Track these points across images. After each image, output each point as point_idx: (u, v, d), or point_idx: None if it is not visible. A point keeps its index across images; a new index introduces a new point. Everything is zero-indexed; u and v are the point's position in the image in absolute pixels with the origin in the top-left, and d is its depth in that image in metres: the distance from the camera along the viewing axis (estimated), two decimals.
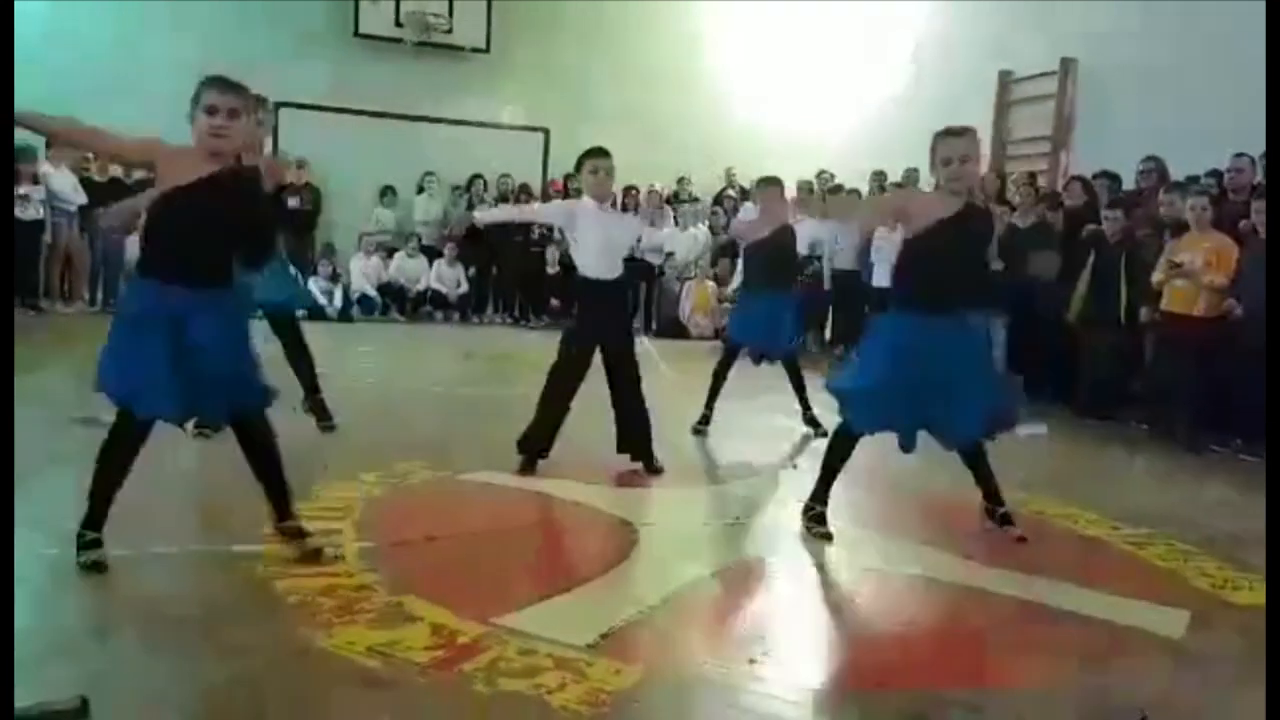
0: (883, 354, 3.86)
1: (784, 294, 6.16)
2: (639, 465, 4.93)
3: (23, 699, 2.27)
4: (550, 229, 12.51)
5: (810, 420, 6.15)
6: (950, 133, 3.83)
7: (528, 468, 4.74)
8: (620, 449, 4.93)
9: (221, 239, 3.21)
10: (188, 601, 3.08)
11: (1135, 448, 6.67)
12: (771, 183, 6.24)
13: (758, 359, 6.25)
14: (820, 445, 5.93)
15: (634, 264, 12.88)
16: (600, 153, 4.79)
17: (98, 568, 3.16)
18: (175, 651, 2.75)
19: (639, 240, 12.68)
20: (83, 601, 3.05)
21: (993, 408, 3.93)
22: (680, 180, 13.21)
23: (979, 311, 4.02)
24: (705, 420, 6.11)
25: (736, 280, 11.89)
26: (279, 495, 3.44)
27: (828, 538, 4.01)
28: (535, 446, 4.78)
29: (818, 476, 4.15)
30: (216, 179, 3.17)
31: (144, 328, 3.15)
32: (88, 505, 3.24)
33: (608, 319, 4.83)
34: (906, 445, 3.95)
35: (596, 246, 4.76)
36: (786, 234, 6.18)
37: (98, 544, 3.21)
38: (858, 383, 3.96)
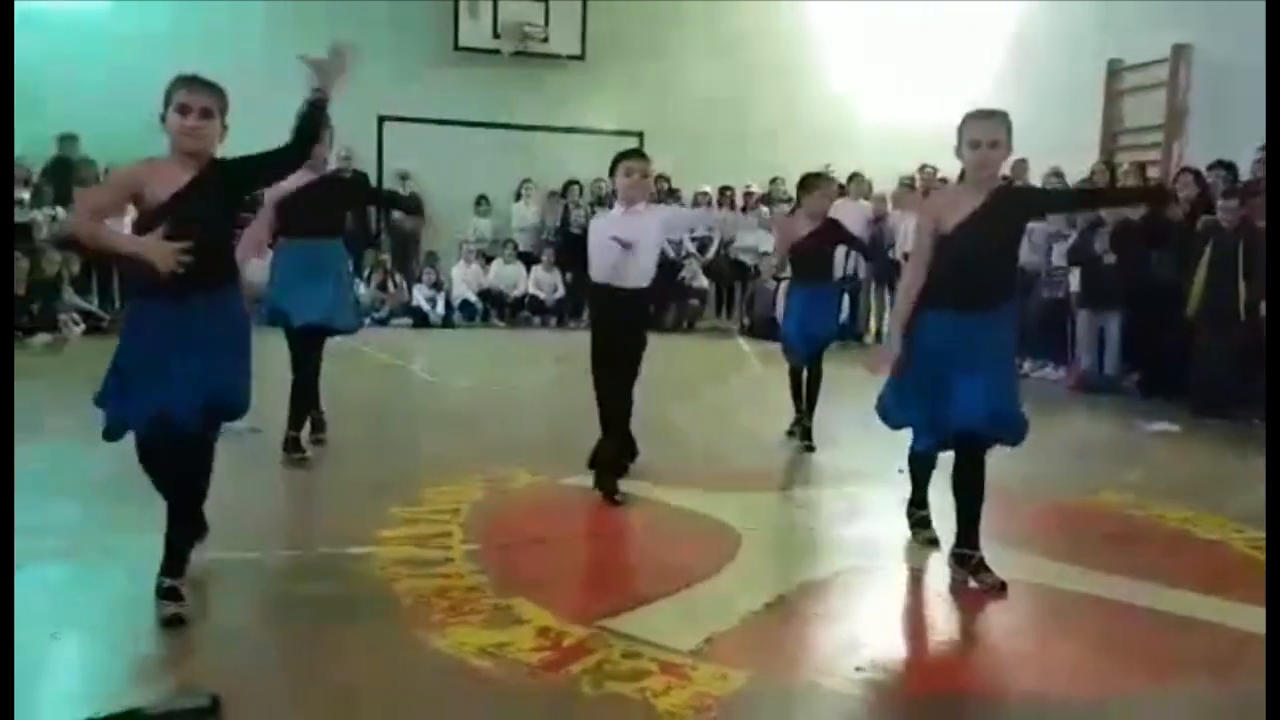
0: (911, 355, 3.63)
1: (823, 288, 5.97)
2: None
3: (148, 698, 2.40)
4: None
5: (806, 430, 5.82)
6: (981, 114, 3.58)
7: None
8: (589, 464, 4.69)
9: (224, 238, 3.20)
10: (310, 602, 3.20)
11: (1257, 447, 6.40)
12: (815, 177, 6.02)
13: (807, 355, 5.91)
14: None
15: (732, 265, 12.92)
16: (635, 154, 4.69)
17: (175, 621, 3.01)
18: (299, 651, 2.87)
19: (690, 234, 12.64)
20: (206, 603, 3.19)
21: (999, 407, 3.53)
22: (774, 180, 13.13)
23: (1007, 305, 3.65)
24: (800, 424, 5.92)
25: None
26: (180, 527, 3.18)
27: (933, 543, 3.95)
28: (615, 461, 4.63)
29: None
30: (200, 181, 3.06)
31: (141, 349, 3.06)
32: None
33: (617, 326, 4.51)
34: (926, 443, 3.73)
35: (599, 253, 4.49)
36: (829, 229, 5.93)
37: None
38: (888, 387, 3.75)
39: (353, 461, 5.05)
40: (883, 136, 12.68)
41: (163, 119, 3.10)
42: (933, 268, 3.58)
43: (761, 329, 11.84)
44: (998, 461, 4.03)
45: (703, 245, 12.73)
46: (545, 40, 13.00)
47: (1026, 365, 9.41)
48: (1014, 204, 3.71)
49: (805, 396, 5.87)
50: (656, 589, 3.43)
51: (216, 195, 3.09)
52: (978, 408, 3.47)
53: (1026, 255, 9.36)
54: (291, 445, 4.96)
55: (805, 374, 5.88)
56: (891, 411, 3.74)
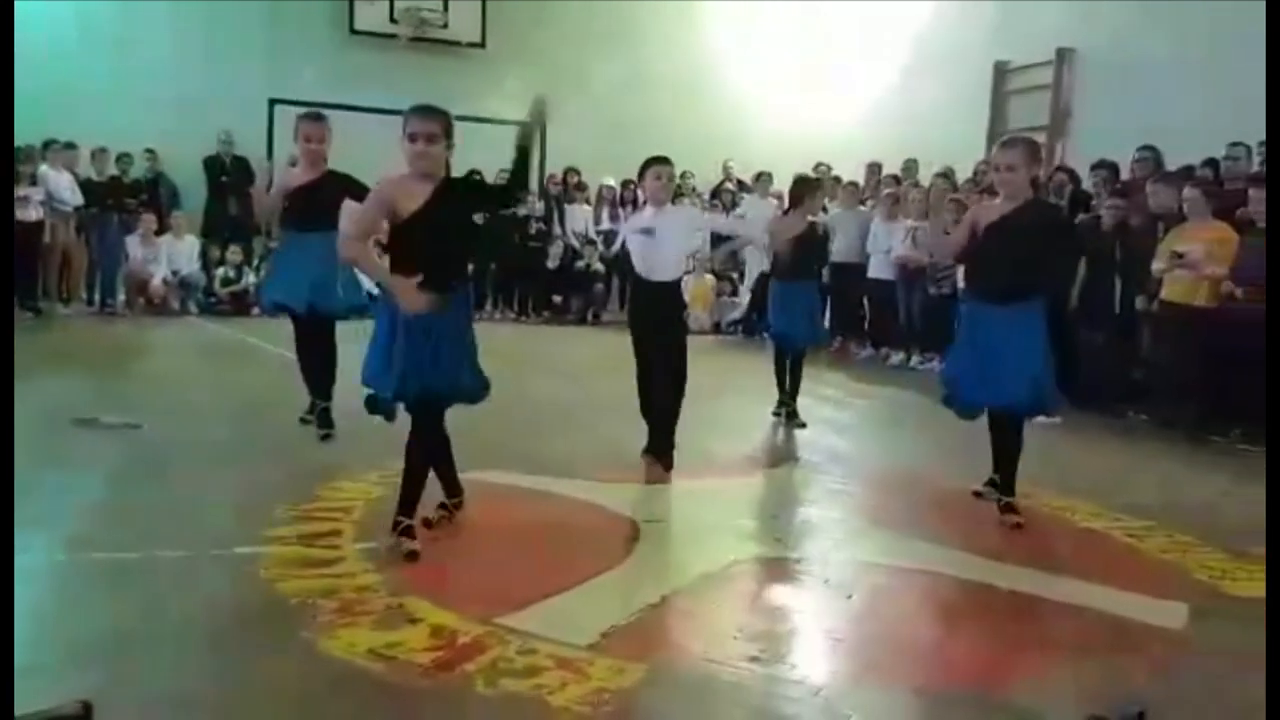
0: (958, 343, 4.38)
1: (813, 284, 6.63)
2: (655, 459, 4.93)
3: (26, 706, 2.27)
4: (547, 222, 12.59)
5: (792, 412, 6.35)
6: (1003, 143, 4.37)
7: (655, 469, 4.87)
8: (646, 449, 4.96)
9: (461, 246, 3.69)
10: (191, 604, 3.08)
11: (1134, 439, 6.68)
12: (811, 181, 6.78)
13: (795, 350, 6.43)
14: (805, 436, 6.00)
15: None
16: (663, 160, 5.10)
17: (413, 556, 3.50)
18: (179, 654, 2.75)
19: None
20: (85, 606, 3.05)
21: (1035, 387, 4.19)
22: (683, 175, 13.18)
23: (1037, 297, 4.28)
24: (784, 405, 6.35)
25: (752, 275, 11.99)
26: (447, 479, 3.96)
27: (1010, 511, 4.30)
28: (658, 449, 4.90)
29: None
30: (440, 194, 3.52)
31: (402, 333, 3.53)
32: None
33: (654, 316, 4.92)
34: (967, 415, 4.43)
35: (640, 250, 4.95)
36: (816, 227, 6.72)
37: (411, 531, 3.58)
38: (945, 373, 4.48)
39: (240, 459, 4.89)
40: (780, 135, 12.84)
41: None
42: (973, 264, 4.36)
43: None
44: (887, 454, 4.12)
45: (608, 239, 12.73)
46: (444, 27, 12.81)
47: (915, 359, 9.65)
48: (1038, 216, 4.33)
49: (790, 373, 6.40)
50: (554, 584, 3.39)
51: (452, 209, 3.57)
52: (1019, 389, 4.15)
53: (910, 252, 9.60)
54: (321, 417, 5.30)
55: (793, 360, 6.42)
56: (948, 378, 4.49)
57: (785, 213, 6.76)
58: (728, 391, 6.20)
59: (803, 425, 6.26)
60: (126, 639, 2.83)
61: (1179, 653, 3.11)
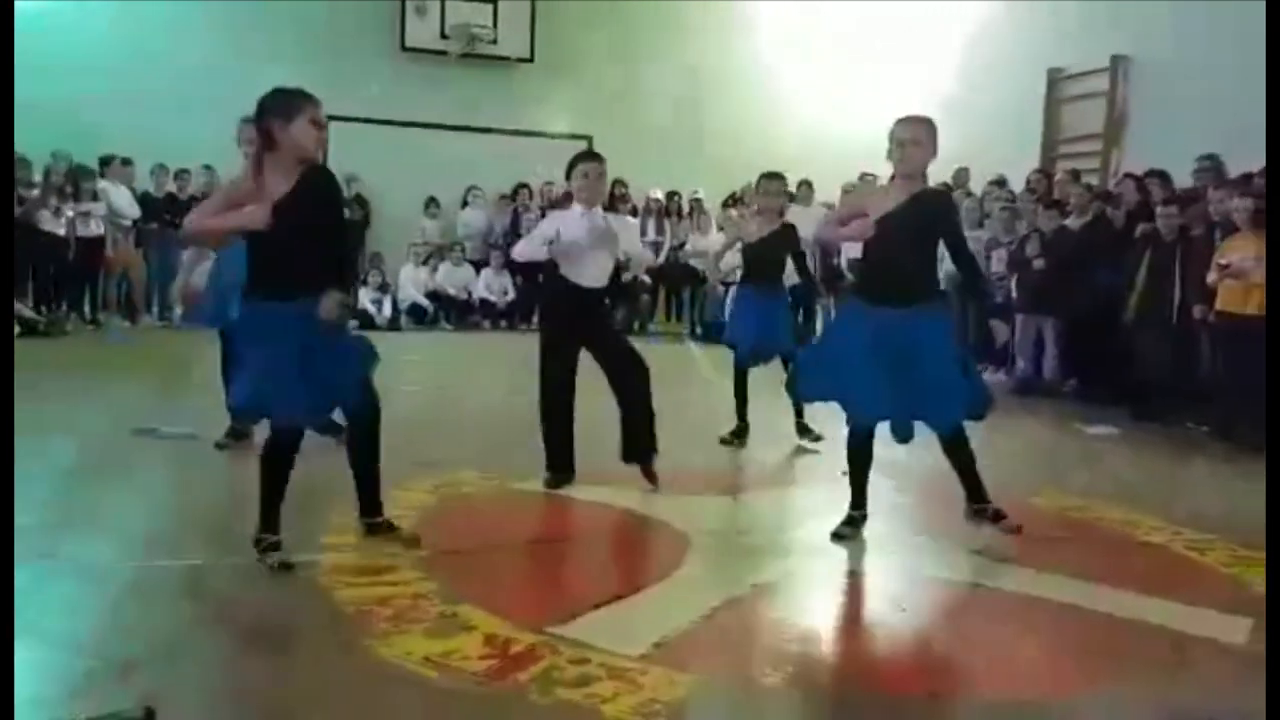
0: (830, 333, 4.11)
1: (775, 294, 5.92)
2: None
3: (90, 709, 2.33)
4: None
5: (802, 429, 5.84)
6: (905, 118, 3.91)
7: (552, 485, 4.66)
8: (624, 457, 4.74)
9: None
10: (249, 611, 3.14)
11: (1194, 450, 6.55)
12: (769, 178, 6.01)
13: (755, 360, 5.90)
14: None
15: (682, 269, 12.92)
16: (590, 156, 4.75)
17: (285, 567, 3.40)
18: (238, 661, 2.81)
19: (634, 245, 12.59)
20: (147, 611, 3.11)
21: (967, 393, 3.90)
22: (745, 186, 13.16)
23: (934, 301, 3.96)
24: (739, 434, 5.85)
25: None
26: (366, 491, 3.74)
27: (839, 538, 4.05)
28: (557, 467, 4.68)
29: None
30: (295, 189, 3.38)
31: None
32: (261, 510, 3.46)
33: (585, 324, 4.64)
34: (900, 436, 3.93)
35: (580, 254, 4.56)
36: (786, 232, 5.89)
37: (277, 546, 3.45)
38: (800, 363, 4.25)
39: (296, 468, 4.95)
40: (831, 144, 12.77)
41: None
42: (862, 262, 3.96)
43: (711, 333, 11.89)
44: (941, 462, 4.08)
45: (654, 248, 12.74)
46: (494, 42, 12.94)
47: None
48: (931, 209, 3.95)
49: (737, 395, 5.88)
50: (605, 594, 3.40)
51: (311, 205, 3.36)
52: (953, 405, 3.85)
53: None
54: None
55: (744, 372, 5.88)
56: (801, 385, 4.17)
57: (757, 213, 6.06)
58: (786, 401, 6.10)
59: (809, 439, 5.82)
60: (186, 644, 2.88)
61: (1242, 668, 3.03)
